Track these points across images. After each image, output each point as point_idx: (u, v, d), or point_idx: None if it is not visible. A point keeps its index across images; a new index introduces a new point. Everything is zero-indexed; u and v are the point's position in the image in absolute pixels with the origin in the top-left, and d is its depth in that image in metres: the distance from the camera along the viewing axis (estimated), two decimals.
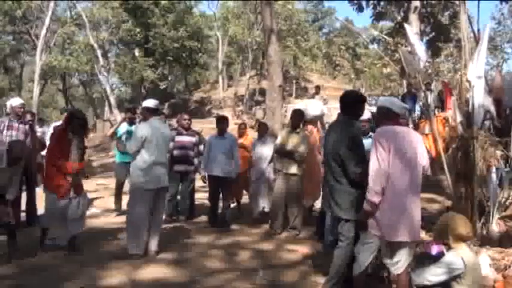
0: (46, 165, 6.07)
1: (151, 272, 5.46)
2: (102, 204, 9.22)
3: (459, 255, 3.91)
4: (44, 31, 29.24)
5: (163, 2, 31.50)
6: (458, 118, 6.55)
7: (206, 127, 15.07)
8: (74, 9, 33.80)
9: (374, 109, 5.60)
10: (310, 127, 7.85)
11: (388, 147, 3.94)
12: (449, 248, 4.04)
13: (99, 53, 31.07)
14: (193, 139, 8.27)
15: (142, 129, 5.97)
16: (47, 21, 29.22)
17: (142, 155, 5.92)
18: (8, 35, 35.89)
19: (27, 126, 7.39)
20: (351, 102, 4.67)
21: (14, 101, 7.44)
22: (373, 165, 3.99)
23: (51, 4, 29.55)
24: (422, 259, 4.26)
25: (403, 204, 3.97)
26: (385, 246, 4.09)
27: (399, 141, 4.01)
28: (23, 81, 42.34)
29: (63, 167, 5.84)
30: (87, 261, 5.75)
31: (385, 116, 4.20)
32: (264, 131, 8.41)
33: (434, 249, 4.26)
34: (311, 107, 8.37)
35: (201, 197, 9.63)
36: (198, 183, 8.73)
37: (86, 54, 32.43)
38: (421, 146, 4.15)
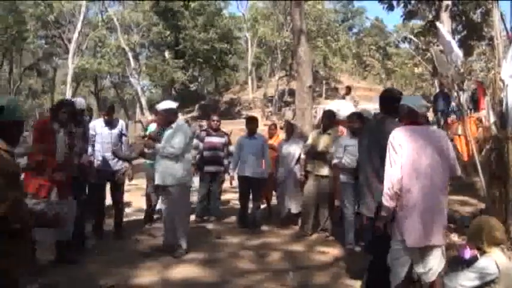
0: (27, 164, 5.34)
1: (182, 271, 5.52)
2: (134, 203, 9.34)
3: (493, 259, 3.83)
4: (76, 35, 29.87)
5: (193, 5, 31.72)
6: (492, 118, 6.44)
7: (236, 128, 15.11)
8: (105, 13, 34.33)
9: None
10: (340, 128, 7.78)
11: (402, 150, 3.79)
12: (482, 252, 3.96)
13: (130, 55, 31.52)
14: (223, 140, 8.33)
15: (188, 130, 6.32)
16: (79, 25, 29.84)
17: (186, 155, 6.15)
18: (40, 39, 36.76)
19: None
20: (389, 101, 4.58)
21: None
22: (386, 169, 3.88)
23: (83, 8, 30.13)
24: (455, 263, 4.18)
25: (429, 207, 3.82)
26: (417, 253, 3.97)
27: (416, 141, 3.85)
28: (56, 83, 43.20)
29: (45, 163, 5.08)
30: (118, 259, 5.85)
31: (407, 115, 4.09)
32: (290, 131, 8.38)
33: (468, 253, 4.17)
34: (343, 107, 8.32)
35: (231, 197, 9.67)
36: (227, 183, 8.77)
37: (117, 57, 32.87)
38: (446, 144, 3.99)
